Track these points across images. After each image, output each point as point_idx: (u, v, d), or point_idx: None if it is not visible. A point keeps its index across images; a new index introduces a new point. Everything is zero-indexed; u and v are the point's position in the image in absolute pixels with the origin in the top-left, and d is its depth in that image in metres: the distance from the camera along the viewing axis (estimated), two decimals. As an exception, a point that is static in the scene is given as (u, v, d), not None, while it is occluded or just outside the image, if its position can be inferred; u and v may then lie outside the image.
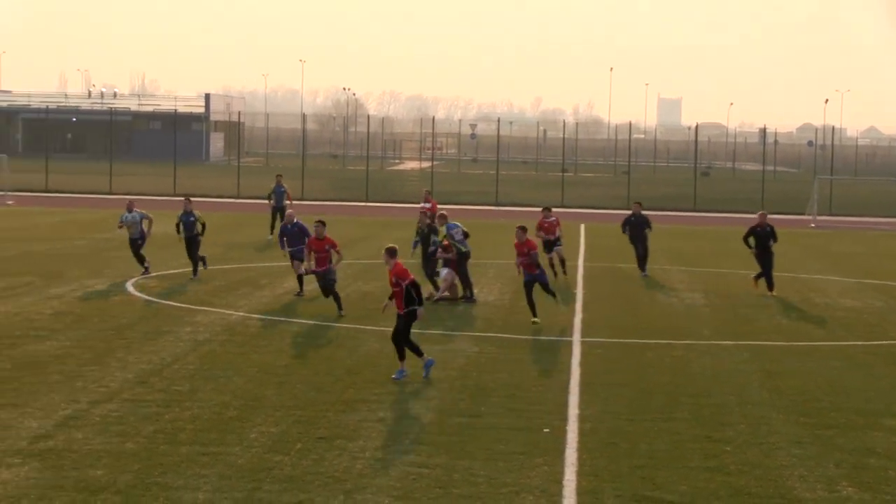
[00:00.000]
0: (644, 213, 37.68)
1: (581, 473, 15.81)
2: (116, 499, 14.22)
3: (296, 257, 30.64)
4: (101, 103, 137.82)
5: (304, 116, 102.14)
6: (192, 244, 33.60)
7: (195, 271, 33.51)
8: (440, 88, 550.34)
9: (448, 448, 16.81)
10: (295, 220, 31.37)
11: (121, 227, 34.44)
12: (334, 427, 17.87)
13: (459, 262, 30.46)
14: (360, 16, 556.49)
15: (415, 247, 32.43)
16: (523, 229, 28.25)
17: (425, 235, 31.71)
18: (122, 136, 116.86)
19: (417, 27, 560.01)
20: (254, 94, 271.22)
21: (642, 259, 37.44)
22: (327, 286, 27.96)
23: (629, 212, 38.79)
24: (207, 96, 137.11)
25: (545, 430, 17.93)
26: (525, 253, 27.88)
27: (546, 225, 35.83)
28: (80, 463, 15.63)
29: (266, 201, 48.75)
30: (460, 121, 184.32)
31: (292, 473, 15.44)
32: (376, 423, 18.11)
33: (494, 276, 35.63)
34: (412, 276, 21.38)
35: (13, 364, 21.70)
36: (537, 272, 27.95)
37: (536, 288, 27.69)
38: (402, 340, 21.30)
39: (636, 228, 37.19)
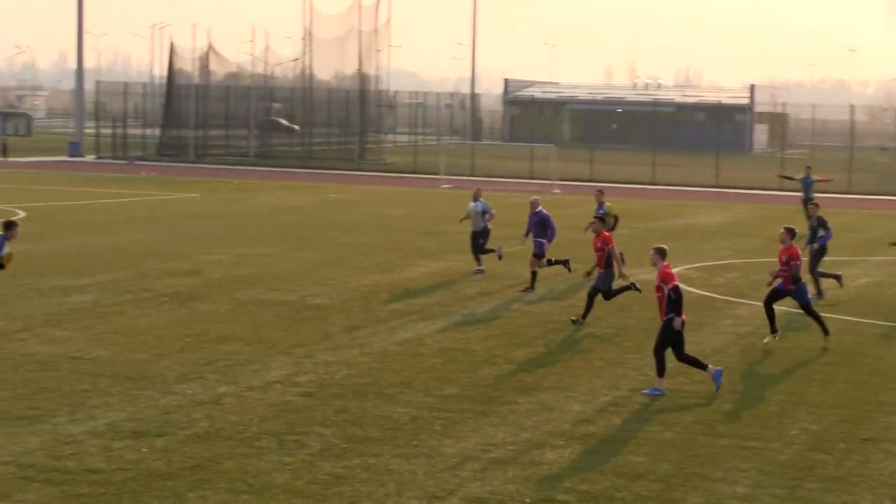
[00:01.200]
0: None
1: None
2: (656, 486, 14.31)
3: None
4: (646, 94, 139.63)
5: (852, 108, 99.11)
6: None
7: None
8: None
9: None
10: None
11: (464, 219, 33.08)
12: (881, 429, 17.17)
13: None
14: None
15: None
16: (790, 233, 23.28)
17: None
18: (665, 127, 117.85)
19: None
20: (799, 86, 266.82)
21: None
22: None
23: None
24: (752, 87, 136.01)
25: None
26: (784, 262, 23.09)
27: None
28: (619, 449, 15.85)
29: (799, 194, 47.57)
30: None
31: (836, 474, 15.00)
32: (925, 427, 17.25)
33: None
34: (676, 281, 19.12)
35: (558, 348, 22.34)
36: (792, 288, 23.12)
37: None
38: (678, 356, 19.09)
39: None
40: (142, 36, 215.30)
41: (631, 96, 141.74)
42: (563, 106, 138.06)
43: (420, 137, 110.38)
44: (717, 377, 19.08)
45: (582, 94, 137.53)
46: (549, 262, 29.74)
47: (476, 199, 32.38)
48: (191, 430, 16.01)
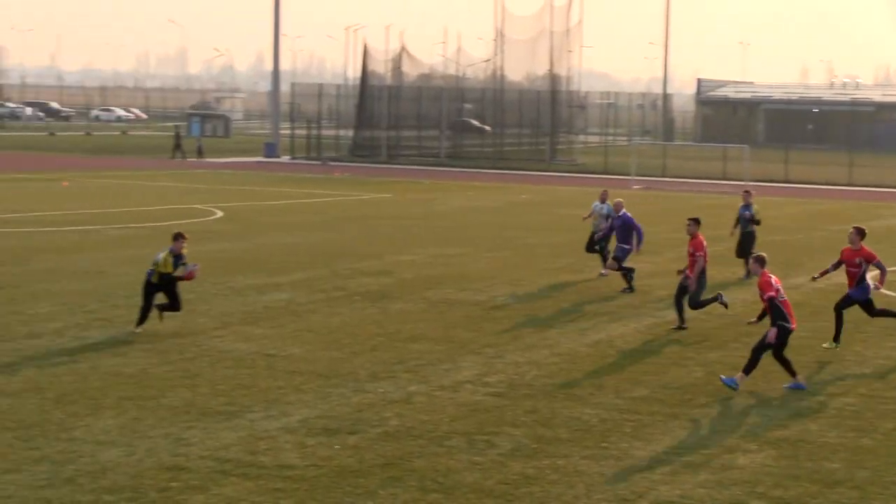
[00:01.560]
0: None
1: None
2: (853, 493, 14.04)
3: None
4: (843, 94, 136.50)
5: None
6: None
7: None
8: None
9: None
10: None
11: (587, 217, 32.47)
12: None
13: None
14: None
15: None
16: (860, 232, 22.61)
17: None
18: (863, 128, 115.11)
19: None
20: None
21: None
22: None
23: None
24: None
25: None
26: (857, 264, 22.28)
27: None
28: (815, 455, 15.55)
29: None
30: None
31: None
32: None
33: None
34: (772, 292, 18.81)
35: (749, 351, 21.96)
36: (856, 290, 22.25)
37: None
38: (775, 355, 18.90)
39: None
40: (336, 38, 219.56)
41: (828, 95, 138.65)
42: (758, 106, 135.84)
43: (611, 138, 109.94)
44: (794, 386, 18.90)
45: (777, 94, 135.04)
46: (623, 269, 28.69)
47: (603, 200, 31.68)
48: (382, 427, 16.21)
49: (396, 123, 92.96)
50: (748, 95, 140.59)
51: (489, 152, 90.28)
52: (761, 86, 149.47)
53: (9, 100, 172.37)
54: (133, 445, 15.27)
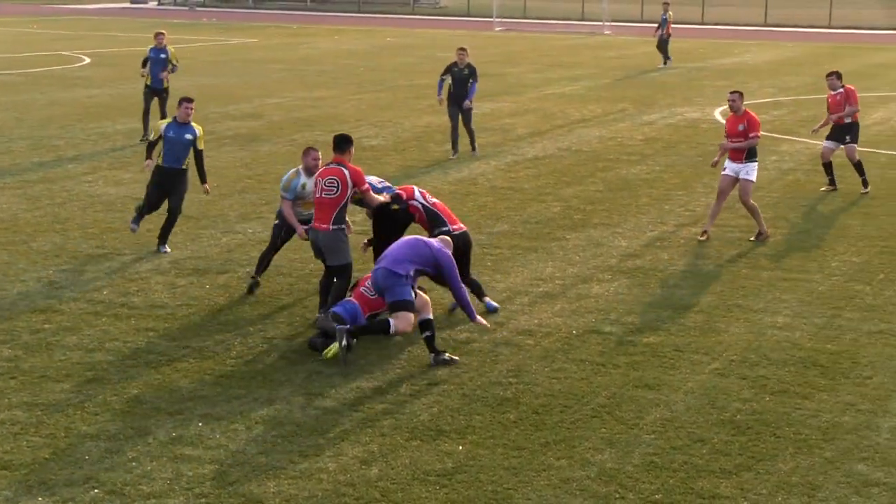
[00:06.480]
0: None
1: None
2: (699, 317, 14.73)
3: None
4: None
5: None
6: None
7: None
8: None
9: None
10: None
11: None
12: (920, 260, 17.55)
13: None
14: None
15: None
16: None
17: None
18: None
19: None
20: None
21: None
22: None
23: None
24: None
25: None
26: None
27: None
28: (665, 282, 16.30)
29: None
30: None
31: (874, 303, 15.40)
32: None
33: None
34: None
35: (606, 186, 22.76)
36: None
37: None
38: None
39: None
40: None
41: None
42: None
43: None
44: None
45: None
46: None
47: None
48: (250, 266, 16.56)
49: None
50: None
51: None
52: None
53: None
54: (5, 289, 15.54)
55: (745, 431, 11.20)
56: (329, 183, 13.97)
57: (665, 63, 45.34)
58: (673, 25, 46.10)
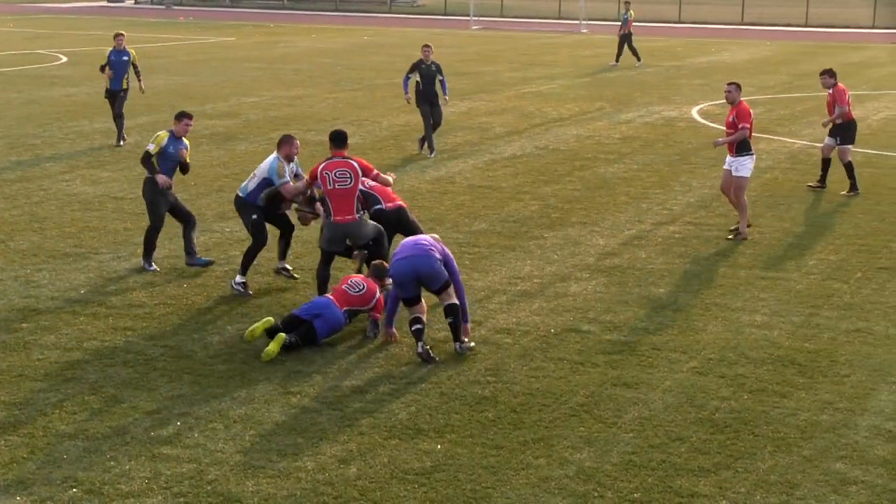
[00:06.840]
0: None
1: None
2: (677, 316, 14.78)
3: None
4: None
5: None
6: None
7: None
8: None
9: None
10: None
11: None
12: (896, 258, 17.65)
13: None
14: None
15: None
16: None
17: None
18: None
19: None
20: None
21: None
22: None
23: None
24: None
25: None
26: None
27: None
28: (643, 281, 16.34)
29: None
30: None
31: (851, 301, 15.45)
32: (941, 257, 17.68)
33: None
34: None
35: (584, 184, 22.80)
36: None
37: None
38: None
39: None
40: None
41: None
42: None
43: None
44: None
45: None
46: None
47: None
48: (229, 266, 16.61)
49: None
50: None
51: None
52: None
53: None
54: (-17, 289, 15.50)
55: (723, 430, 11.24)
56: (340, 174, 14.61)
57: (616, 62, 45.77)
58: (650, 24, 46.40)
